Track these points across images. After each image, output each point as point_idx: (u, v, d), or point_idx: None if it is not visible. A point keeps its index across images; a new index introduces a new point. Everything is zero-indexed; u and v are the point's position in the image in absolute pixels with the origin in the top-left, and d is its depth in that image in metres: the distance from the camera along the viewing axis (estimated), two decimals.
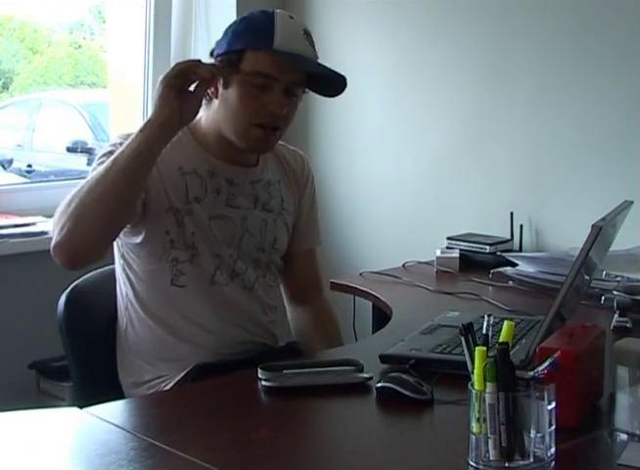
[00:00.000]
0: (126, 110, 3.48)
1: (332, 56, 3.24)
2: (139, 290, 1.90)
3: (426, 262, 2.68)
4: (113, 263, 2.02)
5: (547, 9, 2.72)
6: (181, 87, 1.71)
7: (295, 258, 2.08)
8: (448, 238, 2.76)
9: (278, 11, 1.88)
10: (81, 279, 2.01)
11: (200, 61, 1.75)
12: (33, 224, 2.88)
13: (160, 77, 1.72)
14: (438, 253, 2.67)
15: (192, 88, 1.74)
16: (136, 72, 3.36)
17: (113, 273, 1.99)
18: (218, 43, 1.90)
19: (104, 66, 3.77)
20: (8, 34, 3.85)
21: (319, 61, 1.90)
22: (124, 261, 1.92)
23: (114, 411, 1.52)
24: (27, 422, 1.49)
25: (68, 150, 3.81)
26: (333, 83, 1.90)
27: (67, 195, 1.75)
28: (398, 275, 2.54)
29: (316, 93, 1.93)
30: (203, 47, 3.31)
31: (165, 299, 1.89)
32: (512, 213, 2.76)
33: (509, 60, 2.82)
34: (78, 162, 3.74)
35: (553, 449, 1.26)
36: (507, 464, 1.24)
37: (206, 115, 1.90)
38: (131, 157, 1.70)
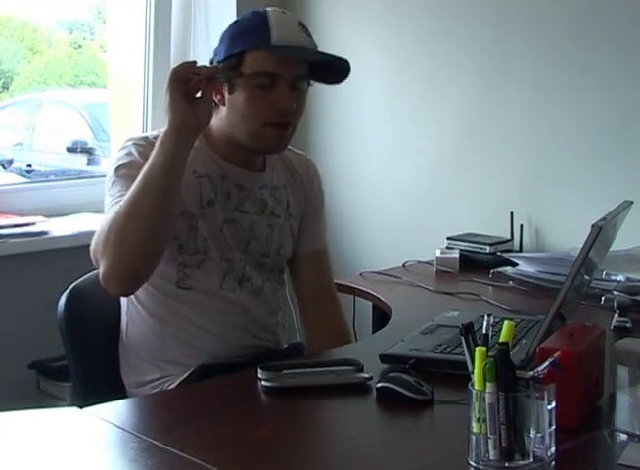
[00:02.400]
0: (126, 110, 3.47)
1: None
2: (142, 290, 1.89)
3: (426, 262, 2.68)
4: None
5: (547, 6, 2.71)
6: (186, 92, 1.70)
7: (301, 261, 2.07)
8: (448, 238, 2.76)
9: (270, 8, 1.88)
10: (81, 279, 2.01)
11: (195, 61, 1.74)
12: (33, 224, 2.88)
13: (165, 87, 1.72)
14: (438, 253, 2.67)
15: (199, 94, 1.73)
16: (136, 72, 3.36)
17: None
18: (216, 50, 1.89)
19: (104, 66, 3.76)
20: (8, 34, 3.85)
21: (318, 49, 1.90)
22: None
23: (114, 411, 1.52)
24: (27, 422, 1.49)
25: (68, 150, 3.81)
26: (336, 69, 1.90)
27: (101, 223, 1.75)
28: (398, 275, 2.54)
29: (321, 83, 1.92)
30: (202, 47, 3.31)
31: (170, 301, 1.89)
32: (512, 213, 2.76)
33: (509, 58, 2.82)
34: (78, 162, 3.74)
35: (553, 449, 1.26)
36: (507, 464, 1.25)
37: (215, 121, 1.89)
38: (161, 173, 1.70)
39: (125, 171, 1.81)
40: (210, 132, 1.91)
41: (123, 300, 1.95)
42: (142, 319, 1.91)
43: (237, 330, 1.92)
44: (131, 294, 1.87)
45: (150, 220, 1.70)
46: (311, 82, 1.91)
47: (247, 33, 1.84)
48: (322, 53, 1.89)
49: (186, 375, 1.85)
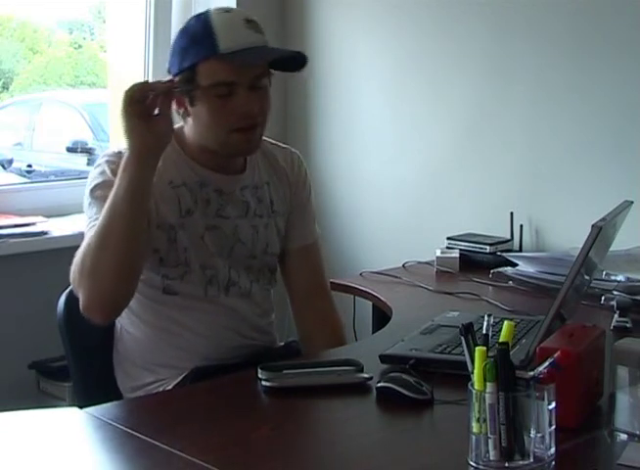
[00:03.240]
0: None
1: (332, 55, 3.25)
2: None
3: (426, 262, 2.68)
4: None
5: (548, 6, 2.71)
6: (143, 112, 1.69)
7: (290, 256, 2.04)
8: (448, 238, 2.76)
9: (212, 9, 1.84)
10: None
11: (147, 81, 1.73)
12: (33, 224, 2.88)
13: (118, 112, 1.70)
14: (438, 253, 2.67)
15: (156, 111, 1.71)
16: (136, 72, 3.36)
17: None
18: (170, 63, 1.86)
19: (104, 66, 3.76)
20: (8, 34, 3.85)
21: (270, 45, 1.87)
22: None
23: (114, 411, 1.52)
24: (27, 422, 1.49)
25: (68, 150, 3.81)
26: (293, 61, 1.88)
27: (78, 251, 1.74)
28: (398, 275, 2.54)
29: (282, 71, 1.89)
30: None
31: (158, 306, 1.88)
32: (512, 213, 2.76)
33: (509, 58, 2.82)
34: (78, 162, 3.74)
35: (553, 449, 1.26)
36: (507, 464, 1.25)
37: (187, 129, 1.88)
38: (127, 198, 1.69)
39: (100, 192, 1.80)
40: (184, 140, 1.89)
41: None
42: (134, 325, 1.91)
43: (228, 332, 1.91)
44: (115, 319, 1.87)
45: (120, 249, 1.69)
46: (272, 72, 1.87)
47: (194, 44, 1.81)
48: (275, 49, 1.88)
49: (180, 379, 1.84)
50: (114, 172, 1.78)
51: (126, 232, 1.70)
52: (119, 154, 1.82)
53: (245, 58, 1.79)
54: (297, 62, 1.88)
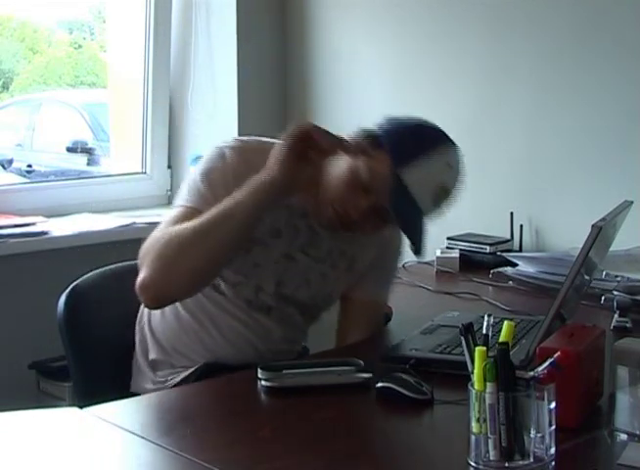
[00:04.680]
0: (126, 110, 3.48)
1: (332, 56, 3.25)
2: None
3: (426, 262, 2.68)
4: (112, 264, 2.02)
5: (549, 7, 2.71)
6: (305, 153, 1.66)
7: (352, 303, 1.98)
8: (448, 238, 2.76)
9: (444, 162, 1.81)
10: (81, 279, 2.01)
11: (318, 128, 1.68)
12: (33, 224, 2.88)
13: (283, 136, 1.67)
14: (438, 253, 2.67)
15: (311, 158, 1.67)
16: (136, 72, 3.36)
17: (113, 274, 1.99)
18: (385, 133, 1.79)
19: (104, 66, 3.77)
20: (8, 34, 3.85)
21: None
22: None
23: (114, 411, 1.52)
24: (27, 422, 1.49)
25: (68, 150, 3.81)
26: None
27: (164, 227, 1.71)
28: (398, 275, 2.53)
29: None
30: (202, 47, 3.31)
31: (202, 298, 1.85)
32: (512, 213, 2.75)
33: (509, 59, 2.82)
34: (78, 162, 3.74)
35: (553, 449, 1.26)
36: (507, 464, 1.25)
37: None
38: (241, 220, 1.67)
39: (215, 177, 1.76)
40: None
41: None
42: (172, 306, 1.87)
43: (249, 347, 1.87)
44: (161, 308, 1.84)
45: (210, 258, 1.69)
46: None
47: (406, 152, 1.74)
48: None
49: (188, 373, 1.83)
50: (233, 160, 1.77)
51: (224, 247, 1.70)
52: (243, 143, 1.80)
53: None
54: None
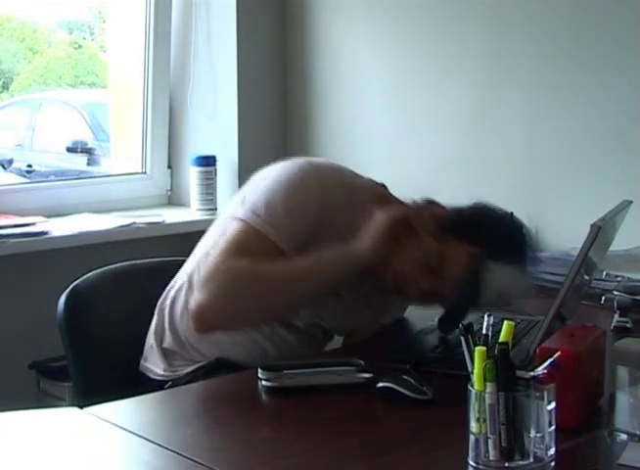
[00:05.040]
0: (126, 110, 3.48)
1: (332, 56, 3.25)
2: None
3: None
4: (112, 264, 2.02)
5: (549, 7, 2.71)
6: (396, 235, 1.70)
7: None
8: None
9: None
10: (81, 279, 2.01)
11: (415, 214, 1.74)
12: (33, 224, 2.87)
13: (385, 216, 1.69)
14: None
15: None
16: (136, 72, 3.36)
17: (113, 274, 1.99)
18: (473, 222, 1.83)
19: (104, 66, 3.76)
20: (8, 34, 3.85)
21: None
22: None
23: (114, 411, 1.52)
24: (27, 422, 1.49)
25: (68, 150, 3.81)
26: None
27: (228, 253, 1.67)
28: None
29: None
30: (202, 47, 3.31)
31: None
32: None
33: (509, 59, 2.82)
34: (78, 162, 3.74)
35: (553, 449, 1.26)
36: (507, 464, 1.25)
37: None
38: (320, 285, 1.71)
39: (295, 208, 1.72)
40: None
41: (184, 277, 1.88)
42: None
43: (262, 358, 1.84)
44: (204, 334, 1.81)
45: (276, 310, 1.73)
46: None
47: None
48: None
49: (196, 366, 1.82)
50: (317, 193, 1.74)
51: (294, 304, 1.74)
52: (324, 172, 1.79)
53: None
54: None
